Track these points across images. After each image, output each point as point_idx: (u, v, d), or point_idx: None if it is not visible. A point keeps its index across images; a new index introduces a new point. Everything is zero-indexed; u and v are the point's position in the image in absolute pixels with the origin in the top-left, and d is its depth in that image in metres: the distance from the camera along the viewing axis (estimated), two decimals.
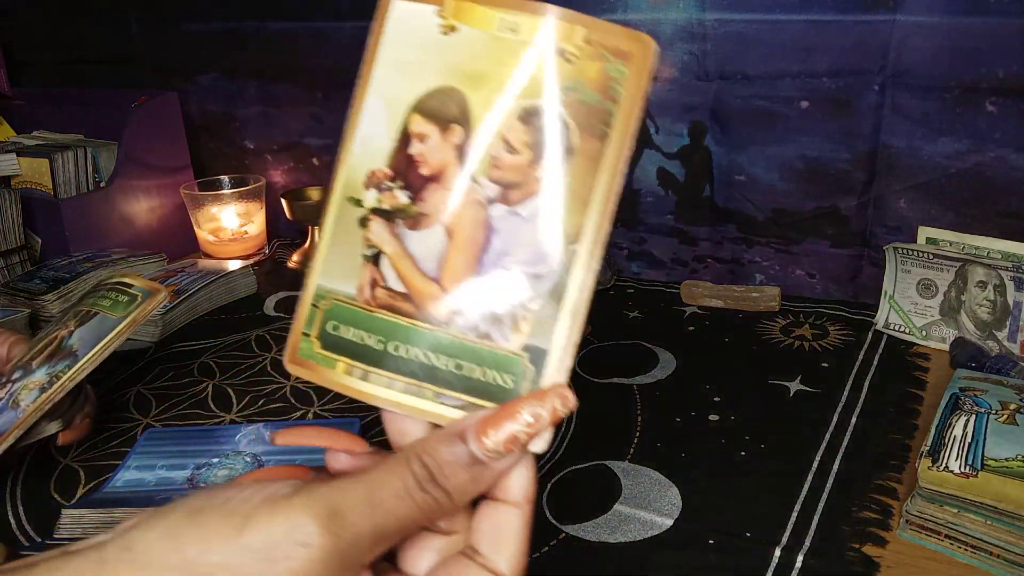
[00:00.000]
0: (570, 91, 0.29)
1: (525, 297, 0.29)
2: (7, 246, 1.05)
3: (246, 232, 1.20)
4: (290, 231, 1.27)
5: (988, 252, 0.79)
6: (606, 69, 0.29)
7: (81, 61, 1.37)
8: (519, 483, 0.29)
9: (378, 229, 0.31)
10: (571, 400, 0.28)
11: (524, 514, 0.29)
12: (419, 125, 0.30)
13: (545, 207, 0.29)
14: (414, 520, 0.27)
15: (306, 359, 0.31)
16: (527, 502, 0.29)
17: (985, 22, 0.76)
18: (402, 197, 0.31)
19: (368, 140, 0.31)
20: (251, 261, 1.14)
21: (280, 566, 0.24)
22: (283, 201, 1.16)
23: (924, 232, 0.84)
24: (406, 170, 0.31)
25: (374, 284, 0.31)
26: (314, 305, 0.31)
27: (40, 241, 1.10)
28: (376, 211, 0.31)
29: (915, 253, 0.81)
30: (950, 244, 0.82)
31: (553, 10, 0.29)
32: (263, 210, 1.22)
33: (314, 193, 1.20)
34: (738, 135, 0.91)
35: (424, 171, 0.30)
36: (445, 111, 0.30)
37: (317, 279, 0.31)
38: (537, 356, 0.29)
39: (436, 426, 0.30)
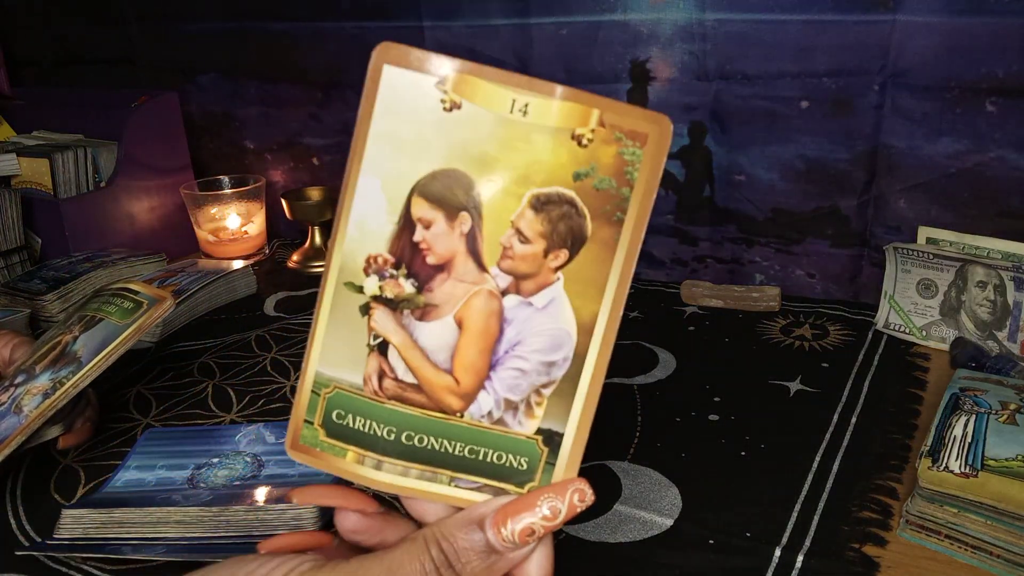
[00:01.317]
0: (584, 177, 0.29)
1: (539, 384, 0.29)
2: (7, 246, 1.05)
3: (246, 232, 1.20)
4: (290, 231, 1.27)
5: (988, 252, 0.79)
6: (621, 152, 0.28)
7: (81, 61, 1.37)
8: (536, 564, 0.29)
9: (382, 318, 0.30)
10: (589, 495, 0.28)
11: None
12: (423, 210, 0.29)
13: (559, 297, 0.29)
14: None
15: (310, 447, 0.31)
16: None
17: (985, 22, 0.76)
18: (408, 287, 0.30)
19: (364, 222, 0.30)
20: (251, 261, 1.14)
21: None
22: (283, 201, 1.16)
23: (924, 232, 0.84)
24: (411, 258, 0.30)
25: (382, 375, 0.30)
26: (315, 392, 0.31)
27: (40, 241, 1.10)
28: (378, 299, 0.30)
29: (915, 253, 0.81)
30: (950, 244, 0.82)
31: (566, 92, 0.28)
32: (263, 210, 1.22)
33: (314, 193, 1.20)
34: (738, 135, 0.91)
35: (431, 260, 0.29)
36: (451, 197, 0.29)
37: (316, 366, 0.31)
38: (551, 439, 0.30)
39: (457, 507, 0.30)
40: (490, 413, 0.30)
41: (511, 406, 0.30)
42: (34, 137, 1.23)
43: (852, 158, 0.87)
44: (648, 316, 0.93)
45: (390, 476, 0.30)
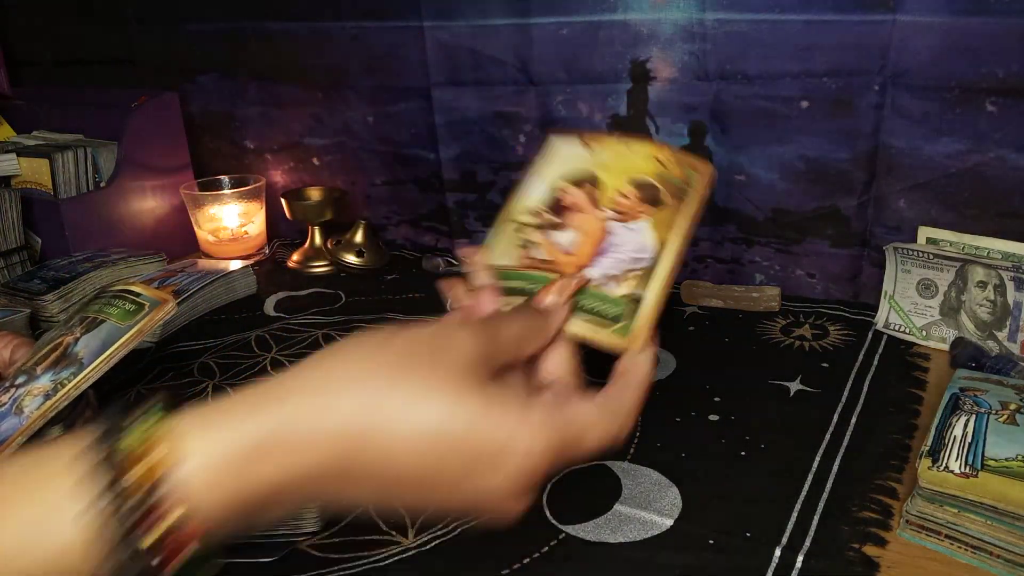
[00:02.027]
0: (662, 176, 0.50)
1: (629, 268, 0.47)
2: (7, 246, 1.05)
3: (246, 232, 1.20)
4: (290, 231, 1.27)
5: (988, 252, 0.79)
6: (684, 171, 0.50)
7: (81, 61, 1.37)
8: (559, 354, 0.44)
9: (532, 231, 0.50)
10: (583, 279, 0.46)
11: (570, 353, 0.44)
12: (566, 185, 0.52)
13: (646, 227, 0.48)
14: (520, 344, 0.41)
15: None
16: (571, 354, 0.44)
17: (985, 22, 0.76)
18: (550, 217, 0.51)
19: (530, 196, 0.52)
20: (251, 261, 1.14)
21: (450, 341, 0.36)
22: (283, 201, 1.16)
23: (924, 232, 0.84)
24: (555, 205, 0.51)
25: (528, 257, 0.49)
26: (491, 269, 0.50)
27: (40, 241, 1.10)
28: (530, 224, 0.51)
29: (915, 253, 0.81)
30: (950, 244, 0.82)
31: (658, 141, 0.54)
32: (263, 210, 1.22)
33: (314, 193, 1.20)
34: (738, 135, 0.91)
35: (566, 203, 0.51)
36: (583, 178, 0.52)
37: (492, 259, 0.50)
38: (635, 300, 0.46)
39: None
40: (597, 279, 0.47)
41: (611, 278, 0.47)
42: (34, 137, 1.23)
43: (852, 158, 0.87)
44: None
45: None
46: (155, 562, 0.29)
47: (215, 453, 0.30)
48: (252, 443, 0.31)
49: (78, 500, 0.29)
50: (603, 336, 0.45)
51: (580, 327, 0.45)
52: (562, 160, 0.52)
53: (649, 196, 0.49)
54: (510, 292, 0.48)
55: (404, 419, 0.33)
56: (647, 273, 0.46)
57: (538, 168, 0.53)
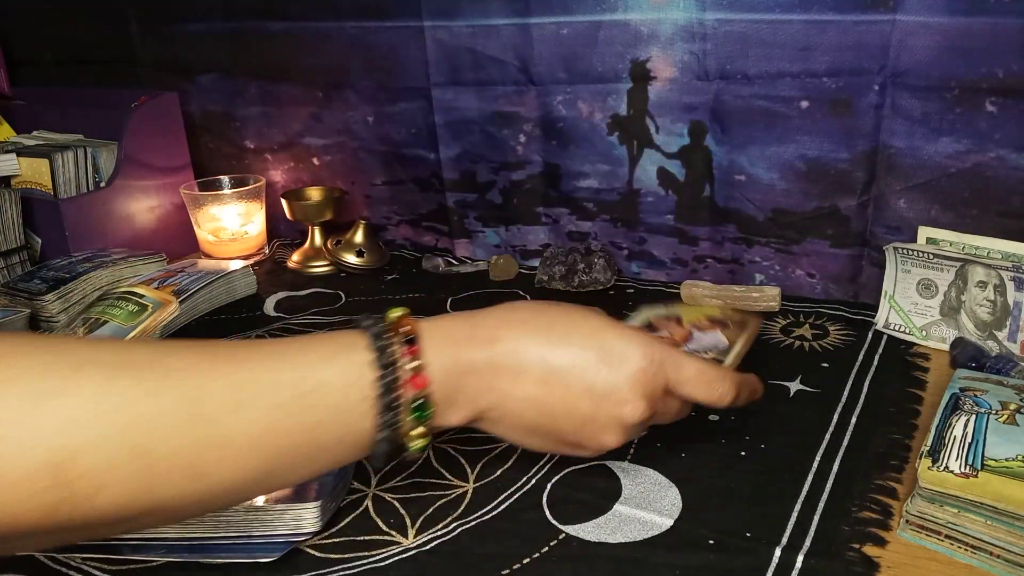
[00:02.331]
0: (729, 315, 0.72)
1: (710, 350, 0.67)
2: (7, 246, 1.05)
3: (246, 232, 1.20)
4: (290, 231, 1.27)
5: (988, 252, 0.79)
6: (742, 315, 0.72)
7: (81, 61, 1.37)
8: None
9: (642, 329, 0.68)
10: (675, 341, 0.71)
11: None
12: (660, 320, 0.73)
13: (719, 334, 0.69)
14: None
15: None
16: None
17: (985, 22, 0.76)
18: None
19: (635, 323, 0.73)
20: (251, 261, 1.14)
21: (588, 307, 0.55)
22: (283, 201, 1.16)
23: (924, 232, 0.84)
24: (649, 326, 0.72)
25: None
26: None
27: (40, 241, 1.10)
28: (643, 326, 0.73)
29: (915, 253, 0.81)
30: (950, 244, 0.82)
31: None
32: (263, 210, 1.22)
33: (314, 193, 1.20)
34: (738, 135, 0.91)
35: (656, 324, 0.72)
36: (671, 315, 0.74)
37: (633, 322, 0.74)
38: (719, 361, 0.65)
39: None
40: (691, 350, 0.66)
41: (697, 352, 0.65)
42: (34, 137, 1.23)
43: (852, 158, 0.87)
44: None
45: None
46: (404, 388, 0.44)
47: (437, 336, 0.47)
48: (462, 333, 0.48)
49: (361, 340, 0.45)
50: None
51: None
52: (650, 311, 0.75)
53: (719, 322, 0.69)
54: None
55: (556, 327, 0.51)
56: (725, 354, 0.67)
57: (636, 312, 0.74)
